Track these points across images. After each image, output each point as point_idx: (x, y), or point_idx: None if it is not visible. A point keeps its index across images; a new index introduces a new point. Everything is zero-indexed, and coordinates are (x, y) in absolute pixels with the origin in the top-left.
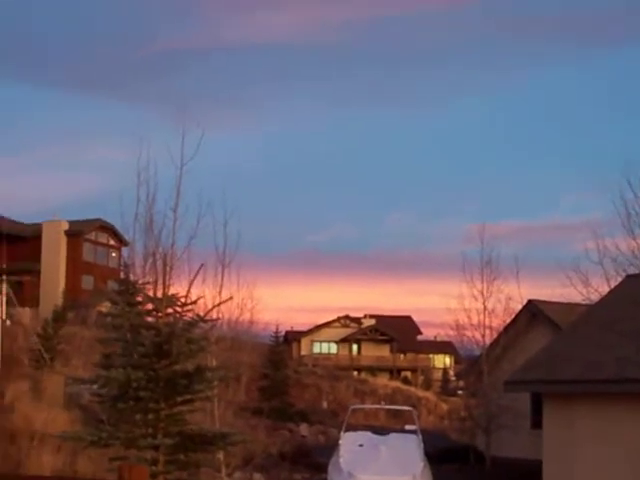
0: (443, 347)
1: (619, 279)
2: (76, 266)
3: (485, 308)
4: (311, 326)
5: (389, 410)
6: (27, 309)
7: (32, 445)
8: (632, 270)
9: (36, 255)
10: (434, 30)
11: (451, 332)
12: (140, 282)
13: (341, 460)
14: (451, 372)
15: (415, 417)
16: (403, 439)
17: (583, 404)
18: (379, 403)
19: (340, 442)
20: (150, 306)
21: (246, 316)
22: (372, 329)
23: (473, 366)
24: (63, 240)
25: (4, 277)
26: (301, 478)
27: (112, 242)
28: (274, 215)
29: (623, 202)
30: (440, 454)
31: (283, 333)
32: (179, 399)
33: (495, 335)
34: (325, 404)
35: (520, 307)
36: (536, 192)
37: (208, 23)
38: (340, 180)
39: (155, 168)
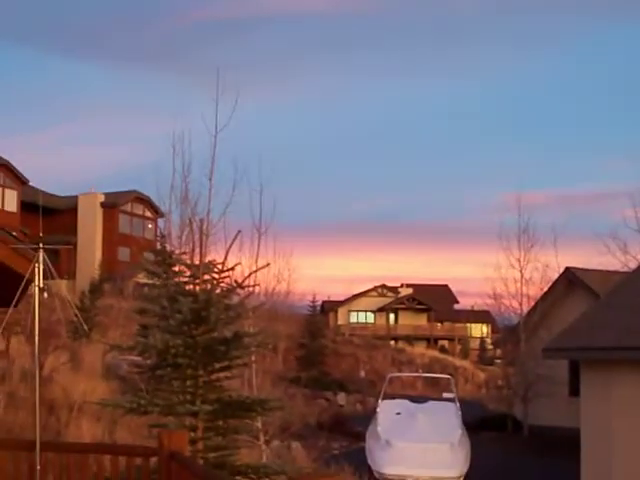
0: (480, 316)
1: None
2: (112, 238)
3: (522, 276)
4: (348, 296)
5: (427, 378)
6: (64, 281)
7: (71, 416)
8: None
9: (72, 228)
10: None
11: (488, 301)
12: (177, 252)
13: (379, 428)
14: (488, 341)
15: (453, 385)
16: (441, 407)
17: (621, 371)
18: (416, 372)
19: (378, 410)
20: (187, 274)
21: (283, 286)
22: (409, 298)
23: (510, 335)
24: (99, 212)
25: (41, 245)
26: (339, 446)
27: (148, 213)
28: (312, 184)
29: None
30: (478, 422)
31: (320, 303)
32: (217, 366)
33: (532, 303)
34: (362, 373)
35: (557, 275)
36: (575, 160)
37: None
38: (377, 150)
39: (190, 138)
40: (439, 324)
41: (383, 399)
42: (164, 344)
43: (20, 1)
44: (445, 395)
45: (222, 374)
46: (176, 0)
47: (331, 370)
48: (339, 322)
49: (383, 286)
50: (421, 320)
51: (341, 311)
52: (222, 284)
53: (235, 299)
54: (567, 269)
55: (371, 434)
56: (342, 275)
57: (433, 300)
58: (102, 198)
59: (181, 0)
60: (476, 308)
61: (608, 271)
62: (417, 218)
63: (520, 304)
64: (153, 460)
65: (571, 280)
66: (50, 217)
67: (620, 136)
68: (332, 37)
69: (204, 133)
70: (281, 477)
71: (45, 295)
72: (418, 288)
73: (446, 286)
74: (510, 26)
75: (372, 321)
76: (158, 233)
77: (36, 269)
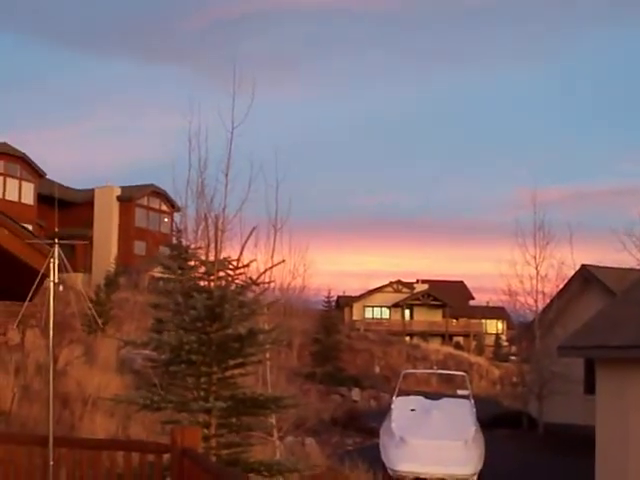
0: (495, 312)
1: None
2: (128, 232)
3: (538, 273)
4: (363, 291)
5: (441, 375)
6: (79, 274)
7: (85, 409)
8: None
9: (88, 221)
10: None
11: (504, 297)
12: (192, 247)
13: (393, 425)
14: (503, 337)
15: (467, 382)
16: (455, 404)
17: (637, 369)
18: (431, 368)
19: (392, 407)
20: (202, 270)
21: (298, 281)
22: (424, 294)
23: (526, 332)
24: (115, 206)
25: (56, 240)
26: (353, 442)
27: (164, 207)
28: (329, 180)
29: None
30: (492, 420)
31: (335, 298)
32: (231, 362)
33: (548, 300)
34: (377, 369)
35: (573, 272)
36: (590, 157)
37: None
38: (394, 145)
39: (207, 133)
40: (454, 320)
41: (397, 395)
42: (178, 340)
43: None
44: (460, 392)
45: (236, 371)
46: None
47: (346, 366)
48: (354, 317)
49: (398, 282)
50: (436, 316)
51: (356, 306)
52: (237, 281)
53: (250, 296)
54: (583, 266)
55: (385, 430)
56: (357, 270)
57: (448, 296)
58: (118, 192)
59: None
60: (491, 304)
61: (624, 268)
62: (433, 214)
63: (535, 301)
64: (166, 457)
65: (587, 277)
66: (66, 210)
67: (636, 131)
68: (346, 33)
69: (221, 128)
70: (294, 474)
71: (61, 288)
72: (433, 284)
73: (461, 282)
74: (525, 20)
75: (387, 317)
76: (174, 227)
77: (51, 264)
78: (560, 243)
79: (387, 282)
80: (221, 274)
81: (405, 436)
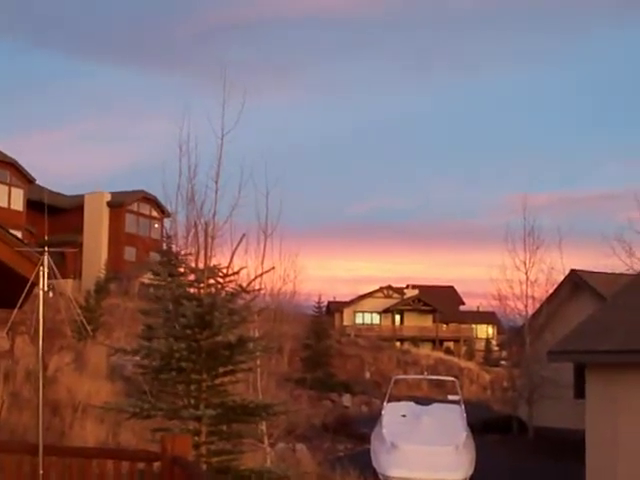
0: (486, 317)
1: None
2: (118, 238)
3: (527, 278)
4: (353, 296)
5: (432, 380)
6: (69, 281)
7: (75, 416)
8: None
9: (78, 227)
10: None
11: (494, 302)
12: (182, 253)
13: (384, 430)
14: (494, 342)
15: (458, 387)
16: (446, 409)
17: (627, 374)
18: (422, 374)
19: (383, 412)
20: (192, 277)
21: (288, 287)
22: (415, 299)
23: (516, 336)
24: (105, 211)
25: (46, 248)
26: (344, 448)
27: (154, 213)
28: (318, 186)
29: None
30: (483, 424)
31: (326, 304)
32: (221, 370)
33: (537, 305)
34: (368, 375)
35: (563, 277)
36: (580, 162)
37: None
38: (383, 151)
39: (196, 139)
40: (444, 325)
41: (388, 401)
42: (168, 348)
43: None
44: (450, 397)
45: (226, 378)
46: (189, 2)
47: (336, 371)
48: (345, 323)
49: (389, 287)
50: (427, 321)
51: (347, 312)
52: (227, 288)
53: (240, 303)
54: (572, 271)
55: (376, 436)
56: (348, 276)
57: (439, 301)
58: (108, 197)
59: (194, 3)
60: (481, 309)
61: (614, 273)
62: (423, 219)
63: (525, 306)
64: (156, 465)
65: (576, 282)
66: (56, 216)
67: (626, 137)
68: (337, 39)
69: (211, 134)
70: None
71: (50, 294)
72: (424, 289)
73: (452, 287)
74: (516, 26)
75: (378, 322)
76: (164, 233)
77: (40, 272)
78: (550, 248)
79: (377, 287)
80: (211, 281)
81: (396, 441)
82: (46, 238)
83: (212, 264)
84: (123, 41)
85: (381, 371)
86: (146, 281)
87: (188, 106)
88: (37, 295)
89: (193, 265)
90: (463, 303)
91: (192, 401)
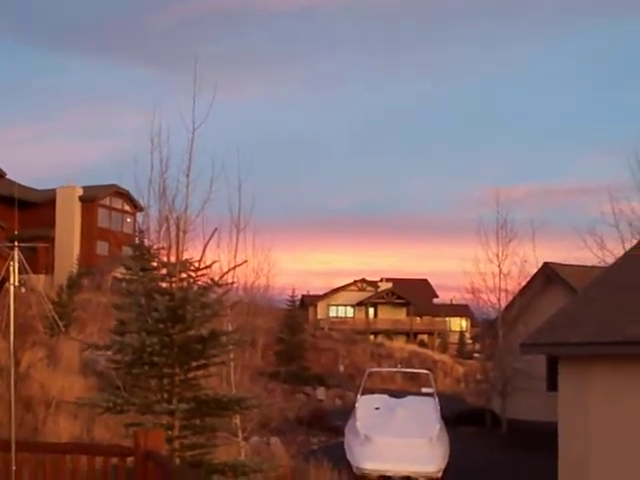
0: (459, 310)
1: (634, 242)
2: (91, 232)
3: (500, 271)
4: (327, 290)
5: (406, 373)
6: (41, 276)
7: (48, 412)
8: None
9: (50, 221)
10: None
11: (467, 295)
12: (155, 247)
13: (358, 423)
14: (467, 335)
15: (432, 380)
16: (420, 402)
17: (599, 366)
18: (396, 366)
19: (357, 405)
20: (164, 271)
21: (262, 280)
22: (388, 292)
23: (489, 329)
24: (77, 206)
25: (16, 243)
26: (318, 441)
27: (127, 208)
28: (292, 179)
29: (639, 165)
30: (456, 417)
31: (299, 297)
32: (194, 364)
33: (510, 298)
34: (342, 368)
35: (535, 270)
36: (554, 156)
37: None
38: (357, 144)
39: (168, 132)
40: (418, 318)
41: (362, 394)
42: (140, 343)
43: None
44: (424, 390)
45: (199, 372)
46: None
47: (310, 365)
48: (318, 316)
49: (362, 280)
50: (400, 314)
51: (320, 305)
52: (199, 282)
53: (212, 297)
54: (545, 264)
55: (350, 429)
56: (322, 269)
57: (412, 294)
58: (80, 192)
59: None
60: (455, 302)
61: (586, 266)
62: (397, 212)
63: (498, 299)
64: (129, 459)
65: (549, 275)
66: (28, 211)
67: (599, 131)
68: (315, 31)
69: (183, 128)
70: (259, 475)
71: (22, 290)
72: (397, 282)
73: (425, 280)
74: (490, 21)
75: (351, 315)
76: (137, 228)
77: (11, 267)
78: (523, 241)
79: (351, 281)
80: (183, 275)
81: (370, 434)
82: (16, 232)
83: (184, 258)
84: (94, 34)
85: (355, 364)
86: (119, 276)
87: (160, 99)
88: (8, 290)
89: (165, 259)
90: (437, 296)
91: (165, 395)
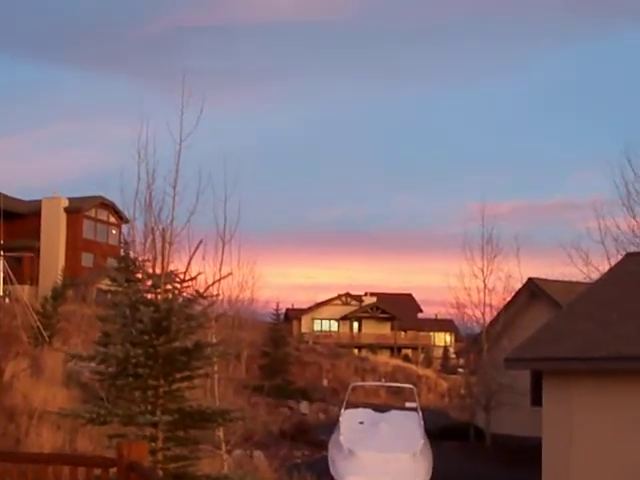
0: (444, 325)
1: (620, 257)
2: (76, 243)
3: (485, 286)
4: (312, 304)
5: (390, 388)
6: (26, 286)
7: (31, 423)
8: (632, 249)
9: (35, 232)
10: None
11: (452, 310)
12: (140, 259)
13: (341, 437)
14: (451, 350)
15: (415, 395)
16: (403, 416)
17: (583, 381)
18: (380, 381)
19: (340, 419)
20: (149, 283)
21: (247, 294)
22: (373, 307)
23: (473, 344)
24: (63, 217)
25: (1, 253)
26: (301, 455)
27: (112, 219)
28: (277, 193)
29: (624, 181)
30: (440, 431)
31: (284, 311)
32: (178, 376)
33: (495, 313)
34: (325, 382)
35: (520, 285)
36: (539, 172)
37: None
38: (342, 159)
39: (155, 145)
40: (403, 333)
41: (346, 408)
42: (124, 354)
43: None
44: (408, 404)
45: (183, 384)
46: (148, 6)
47: (294, 378)
48: (303, 330)
49: (347, 294)
50: (385, 329)
51: (305, 319)
52: (184, 293)
53: (197, 308)
54: (530, 279)
55: (334, 443)
56: (306, 283)
57: (397, 309)
58: (66, 203)
59: (153, 6)
60: (439, 317)
61: (570, 282)
62: (382, 227)
63: (483, 314)
64: (112, 471)
65: (533, 290)
66: (13, 221)
67: (585, 147)
68: (302, 46)
69: (170, 140)
70: None
71: (7, 300)
72: (382, 297)
73: (410, 295)
74: (482, 36)
75: (336, 329)
76: (122, 239)
77: None
78: (508, 256)
79: (336, 295)
80: (168, 287)
81: (353, 448)
82: (1, 242)
83: (170, 269)
84: (81, 45)
85: (339, 378)
86: (104, 287)
87: (147, 111)
88: None
89: (151, 271)
90: (421, 311)
91: (149, 407)
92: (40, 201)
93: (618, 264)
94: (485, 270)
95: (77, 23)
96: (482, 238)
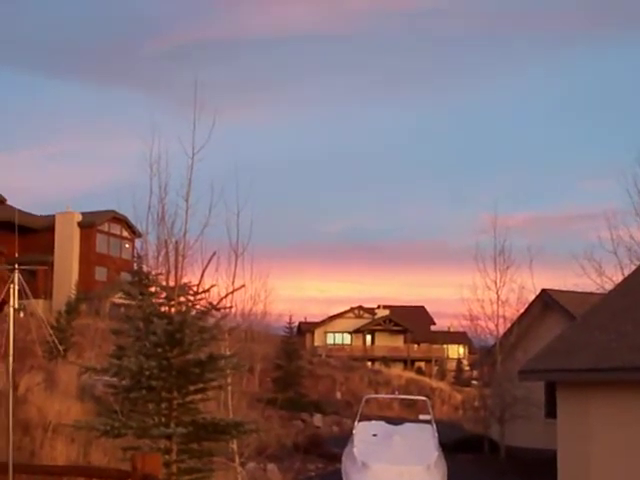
0: (457, 337)
1: (633, 268)
2: (89, 258)
3: (498, 298)
4: (324, 317)
5: (403, 400)
6: (40, 301)
7: (46, 436)
8: None
9: (49, 247)
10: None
11: (465, 322)
12: (153, 273)
13: (355, 450)
14: (465, 362)
15: (429, 407)
16: (417, 429)
17: (597, 392)
18: (393, 393)
19: (354, 432)
20: (163, 296)
21: (259, 307)
22: (386, 320)
23: (487, 356)
24: (76, 232)
25: (16, 266)
26: (315, 468)
27: (125, 234)
28: (289, 206)
29: (637, 190)
30: (454, 444)
31: (296, 324)
32: (192, 388)
33: (508, 325)
34: (339, 395)
35: (533, 297)
36: (552, 183)
37: (224, 15)
38: (355, 171)
39: (167, 158)
40: (416, 345)
41: (359, 420)
42: (138, 366)
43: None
44: (421, 417)
45: (197, 396)
46: (158, 22)
47: (307, 391)
48: (316, 343)
49: (360, 307)
50: (398, 341)
51: (318, 332)
52: (197, 306)
53: (210, 321)
54: (543, 291)
55: (347, 456)
56: (319, 296)
57: (410, 321)
58: (79, 217)
59: (163, 22)
60: (452, 329)
61: (584, 292)
62: (394, 240)
63: (496, 325)
64: None
65: (547, 302)
66: (27, 236)
67: (597, 157)
68: (309, 57)
69: (181, 154)
70: None
71: (21, 314)
72: (395, 309)
73: (422, 307)
74: (491, 47)
75: (349, 342)
76: (135, 253)
77: (11, 290)
78: (521, 268)
79: (348, 308)
80: (181, 299)
81: (367, 461)
82: (16, 255)
83: (182, 282)
84: (93, 58)
85: (352, 391)
86: (117, 301)
87: (158, 125)
88: (7, 314)
89: (164, 284)
90: (434, 323)
91: (163, 419)
92: (54, 216)
93: (632, 274)
94: (498, 282)
95: (90, 39)
96: (495, 250)
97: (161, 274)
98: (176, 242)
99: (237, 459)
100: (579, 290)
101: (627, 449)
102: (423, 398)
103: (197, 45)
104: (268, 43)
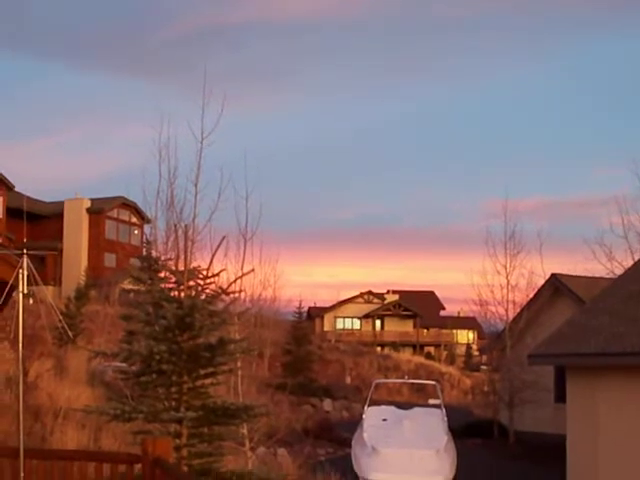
0: (466, 322)
1: None
2: (98, 244)
3: (508, 283)
4: (334, 302)
5: (413, 385)
6: (50, 287)
7: (56, 422)
8: None
9: (58, 233)
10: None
11: (474, 307)
12: (162, 258)
13: (365, 434)
14: (474, 347)
15: (439, 391)
16: (427, 413)
17: (607, 376)
18: (402, 378)
19: (364, 417)
20: (172, 280)
21: (269, 292)
22: (395, 305)
23: (496, 341)
24: (85, 218)
25: (25, 251)
26: (325, 453)
27: (134, 219)
28: (299, 191)
29: None
30: (464, 429)
31: (306, 309)
32: (202, 372)
33: (518, 310)
34: (348, 379)
35: (543, 281)
36: (563, 168)
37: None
38: (367, 156)
39: (176, 143)
40: (425, 330)
41: (369, 405)
42: (148, 350)
43: (13, 9)
44: (431, 401)
45: (207, 380)
46: (169, 8)
47: (317, 376)
48: (325, 328)
49: (369, 292)
50: (407, 326)
51: (327, 317)
52: (207, 290)
53: (220, 305)
54: (553, 275)
55: (357, 440)
56: (328, 281)
57: (419, 306)
58: (88, 204)
59: (172, 8)
60: (462, 314)
61: (594, 277)
62: (404, 224)
63: (506, 310)
64: (137, 467)
65: (557, 286)
66: (36, 223)
67: (608, 142)
68: (319, 44)
69: (190, 139)
70: None
71: (30, 301)
72: (404, 294)
73: (432, 292)
74: (502, 33)
75: (358, 327)
76: (144, 239)
77: (20, 275)
78: (531, 253)
79: (358, 293)
80: (191, 283)
81: (377, 445)
82: (25, 241)
83: (192, 266)
84: (101, 46)
85: (362, 376)
86: (126, 287)
87: (167, 111)
88: (16, 301)
89: (173, 269)
90: (444, 308)
91: (173, 403)
92: (63, 202)
93: None
94: (508, 267)
95: (98, 27)
96: (505, 234)
97: (170, 259)
98: (185, 227)
99: (247, 443)
100: (589, 275)
101: (637, 433)
102: (433, 382)
103: (210, 31)
104: (284, 28)
